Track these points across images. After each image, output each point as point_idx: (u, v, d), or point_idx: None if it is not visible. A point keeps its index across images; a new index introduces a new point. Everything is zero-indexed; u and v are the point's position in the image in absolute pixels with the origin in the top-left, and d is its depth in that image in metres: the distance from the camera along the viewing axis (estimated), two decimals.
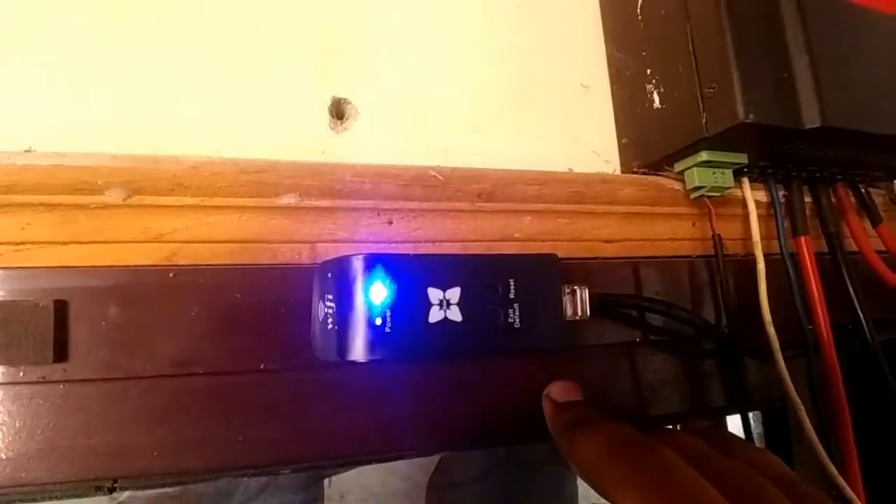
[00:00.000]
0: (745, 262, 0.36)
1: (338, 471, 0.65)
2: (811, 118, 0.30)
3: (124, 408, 0.25)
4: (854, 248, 0.38)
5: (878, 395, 0.36)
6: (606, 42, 0.38)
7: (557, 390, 0.30)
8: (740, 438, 0.29)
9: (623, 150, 0.36)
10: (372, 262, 0.25)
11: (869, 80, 0.32)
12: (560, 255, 0.29)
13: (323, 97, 0.31)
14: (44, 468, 0.24)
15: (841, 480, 0.32)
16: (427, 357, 0.28)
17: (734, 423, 0.37)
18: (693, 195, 0.34)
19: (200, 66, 0.29)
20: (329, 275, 0.26)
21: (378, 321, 0.24)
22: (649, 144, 0.34)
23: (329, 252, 0.28)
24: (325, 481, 0.64)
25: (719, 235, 0.35)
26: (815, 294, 0.35)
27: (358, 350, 0.24)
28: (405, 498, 0.65)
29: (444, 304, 0.25)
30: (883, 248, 0.39)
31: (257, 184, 0.26)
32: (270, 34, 0.30)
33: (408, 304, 0.25)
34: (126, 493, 0.48)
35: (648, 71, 0.34)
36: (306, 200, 0.28)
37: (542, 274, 0.28)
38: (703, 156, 0.32)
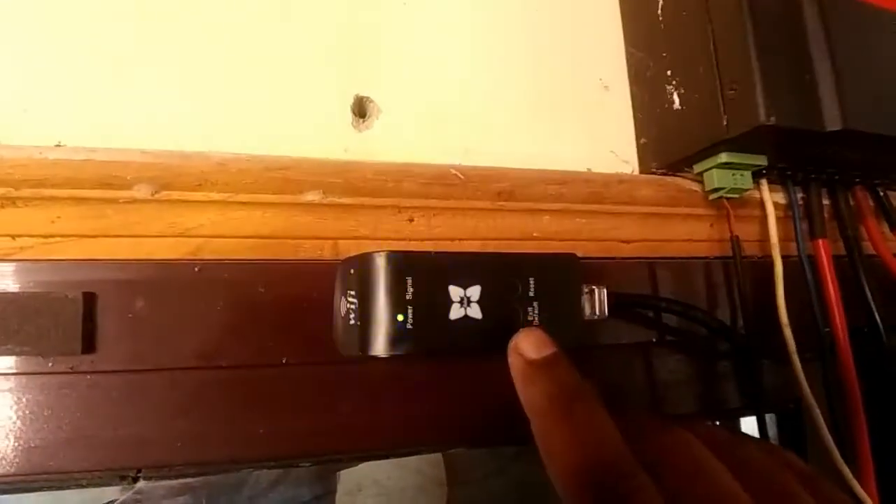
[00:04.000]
0: (763, 263, 0.36)
1: (349, 465, 0.66)
2: (832, 121, 0.30)
3: (149, 399, 0.26)
4: (872, 251, 0.38)
5: (894, 398, 0.36)
6: (626, 42, 0.38)
7: (529, 344, 0.25)
8: (758, 438, 0.29)
9: (642, 150, 0.36)
10: (394, 258, 0.25)
11: (890, 84, 0.32)
12: (578, 254, 0.29)
13: (346, 96, 0.31)
14: (70, 457, 0.25)
15: (855, 483, 0.32)
16: (447, 353, 0.28)
17: (749, 425, 0.37)
18: (711, 196, 0.34)
19: (226, 64, 0.29)
20: (352, 271, 0.26)
21: (400, 317, 0.25)
22: (668, 145, 0.35)
23: (350, 248, 0.28)
24: (337, 474, 0.65)
25: (737, 237, 0.35)
26: (832, 297, 0.35)
27: (380, 346, 0.24)
28: (417, 492, 0.66)
29: (465, 302, 0.26)
30: None
31: (282, 181, 0.27)
32: (295, 33, 0.31)
33: (429, 300, 0.25)
34: (147, 482, 0.49)
35: (669, 72, 0.34)
36: (329, 197, 0.28)
37: (561, 273, 0.28)
38: (723, 157, 0.32)
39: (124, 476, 0.26)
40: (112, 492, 0.56)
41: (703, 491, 0.21)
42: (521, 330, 0.25)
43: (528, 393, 0.24)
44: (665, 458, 0.22)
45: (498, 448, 0.66)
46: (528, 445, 0.24)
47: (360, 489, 0.63)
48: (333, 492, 0.64)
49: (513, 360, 0.25)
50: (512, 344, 0.25)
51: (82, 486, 0.27)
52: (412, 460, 0.65)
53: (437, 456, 0.67)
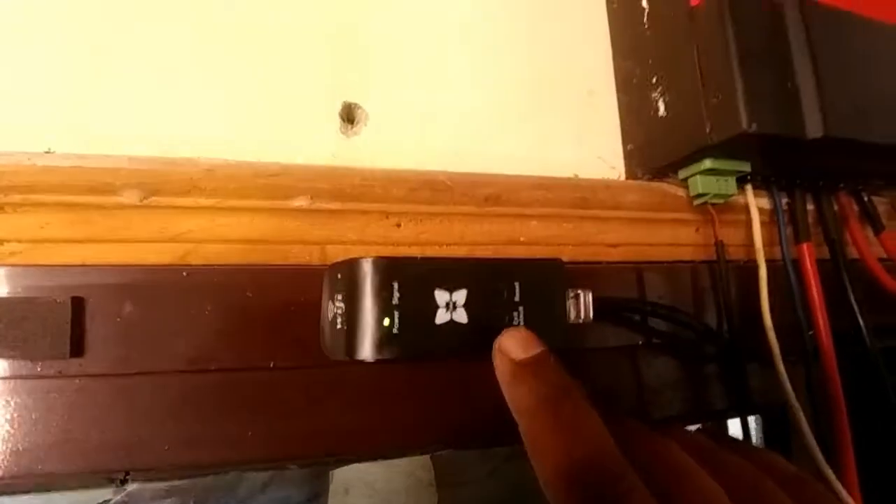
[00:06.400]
0: (747, 268, 0.36)
1: (337, 467, 0.66)
2: (814, 128, 0.30)
3: (137, 403, 0.26)
4: (856, 255, 0.39)
5: (877, 402, 0.36)
6: (613, 49, 0.38)
7: (515, 344, 0.24)
8: (742, 441, 0.29)
9: (628, 156, 0.37)
10: (381, 264, 0.25)
11: (872, 90, 0.33)
12: (565, 259, 0.29)
13: (334, 101, 0.31)
14: (58, 460, 0.25)
15: (839, 486, 0.32)
16: (433, 357, 0.29)
17: (734, 428, 0.37)
18: (696, 202, 0.35)
19: (216, 71, 0.30)
20: (339, 276, 0.26)
21: (386, 322, 0.25)
22: (654, 151, 0.35)
23: (338, 254, 0.29)
24: (330, 474, 0.65)
25: (722, 242, 0.35)
26: (816, 301, 0.36)
27: (366, 350, 0.25)
28: (408, 494, 0.66)
29: (451, 306, 0.26)
30: (885, 256, 0.39)
31: (270, 186, 0.27)
32: (283, 40, 0.31)
33: (415, 305, 0.25)
34: (135, 485, 0.49)
35: (654, 79, 0.34)
36: (317, 203, 0.28)
37: (546, 278, 0.28)
38: (707, 164, 0.32)
39: (112, 478, 0.27)
40: (103, 493, 0.56)
41: (689, 495, 0.21)
42: (505, 330, 0.25)
43: (516, 393, 0.24)
44: (651, 463, 0.22)
45: (490, 450, 0.66)
46: (517, 447, 0.24)
47: (348, 491, 0.63)
48: (324, 493, 0.64)
49: (498, 361, 0.24)
50: (496, 345, 0.25)
51: (70, 489, 0.27)
52: (402, 462, 0.66)
53: (427, 458, 0.67)
